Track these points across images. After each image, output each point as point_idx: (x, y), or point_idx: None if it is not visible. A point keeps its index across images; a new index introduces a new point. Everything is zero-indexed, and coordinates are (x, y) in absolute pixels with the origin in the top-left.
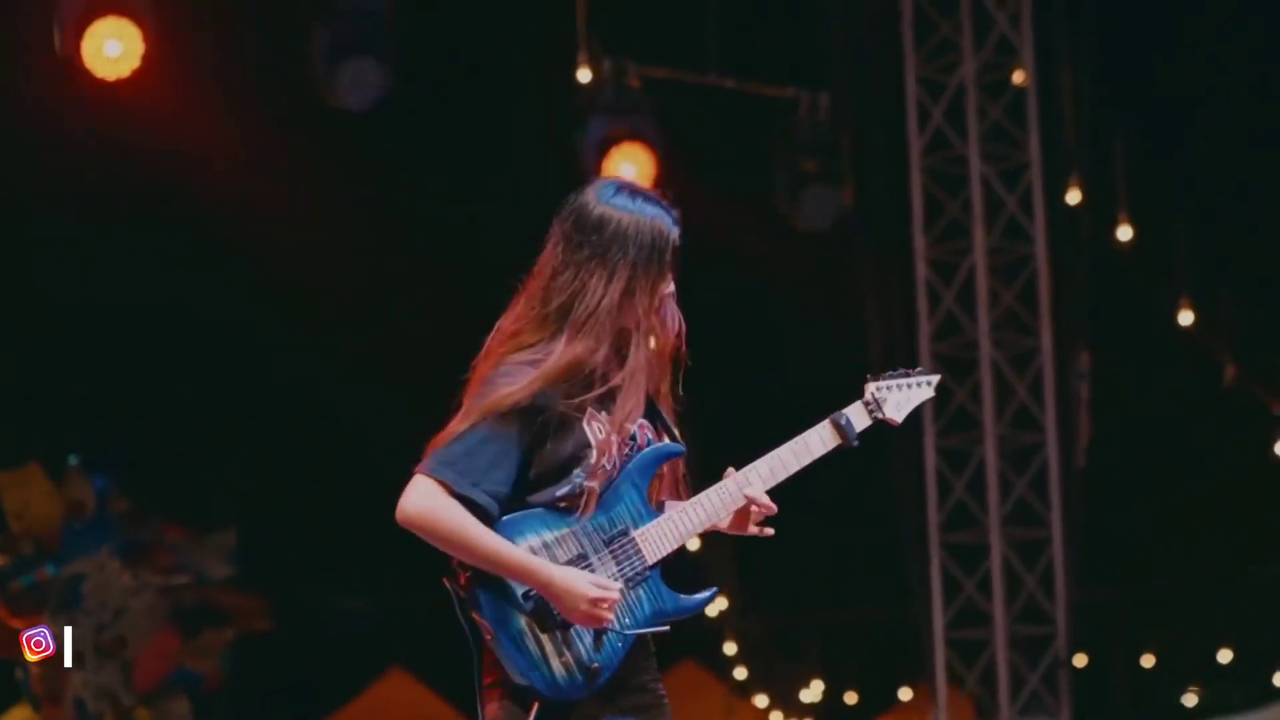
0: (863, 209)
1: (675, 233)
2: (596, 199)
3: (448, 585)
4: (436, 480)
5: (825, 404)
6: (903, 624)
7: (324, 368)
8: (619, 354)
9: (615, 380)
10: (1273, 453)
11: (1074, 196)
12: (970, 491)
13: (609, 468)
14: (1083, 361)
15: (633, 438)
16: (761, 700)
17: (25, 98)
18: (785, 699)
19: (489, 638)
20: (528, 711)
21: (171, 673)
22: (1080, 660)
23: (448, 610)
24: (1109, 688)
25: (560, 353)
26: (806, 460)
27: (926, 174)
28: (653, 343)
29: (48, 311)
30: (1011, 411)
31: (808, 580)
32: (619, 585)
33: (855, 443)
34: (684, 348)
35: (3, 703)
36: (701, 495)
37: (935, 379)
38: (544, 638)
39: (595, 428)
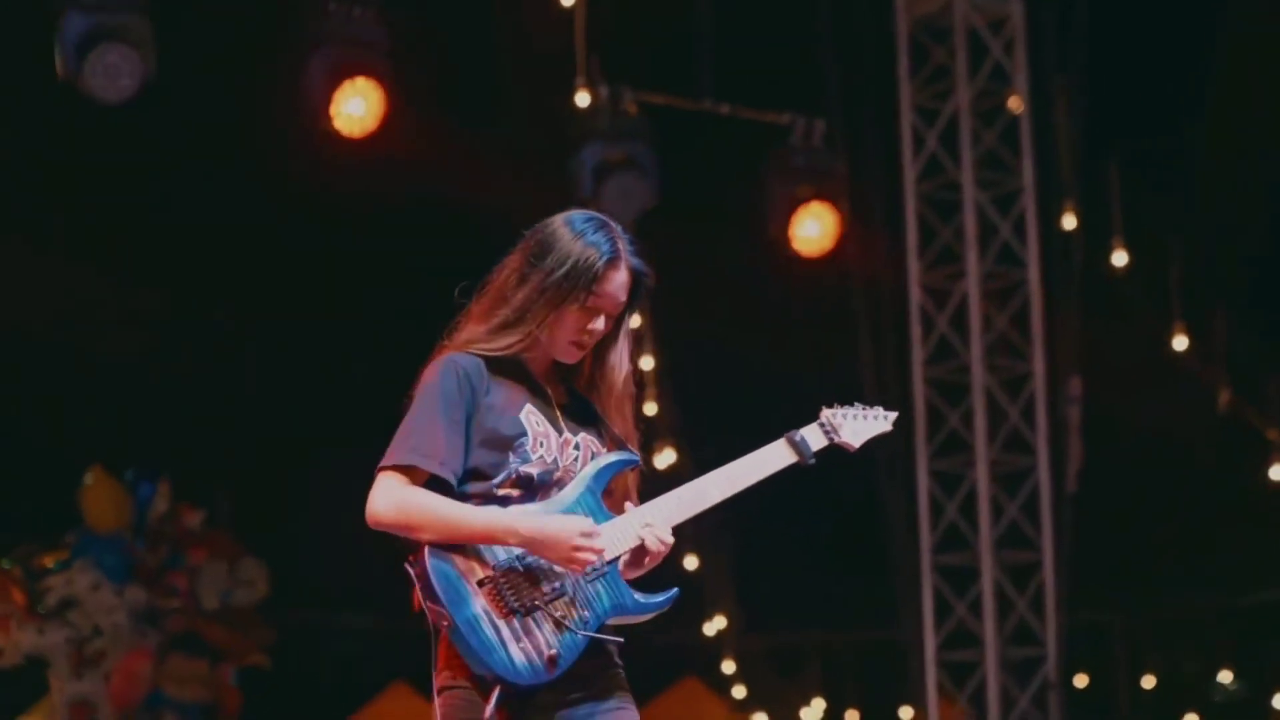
0: (857, 234)
1: (601, 267)
2: (558, 222)
3: (410, 570)
4: (398, 470)
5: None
6: (895, 645)
7: (324, 379)
8: (565, 368)
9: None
10: (1267, 478)
11: (1069, 221)
12: (962, 514)
13: (549, 461)
14: (1074, 386)
15: (576, 447)
16: (761, 718)
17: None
18: (786, 717)
19: (445, 624)
20: (487, 698)
21: (147, 694)
22: (1081, 680)
23: None
24: (1108, 708)
25: (487, 343)
26: (759, 476)
27: (921, 200)
28: (614, 372)
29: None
30: (1004, 436)
31: (802, 601)
32: (600, 533)
33: (811, 460)
34: (615, 379)
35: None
36: (649, 504)
37: (893, 415)
38: (500, 623)
39: (533, 420)
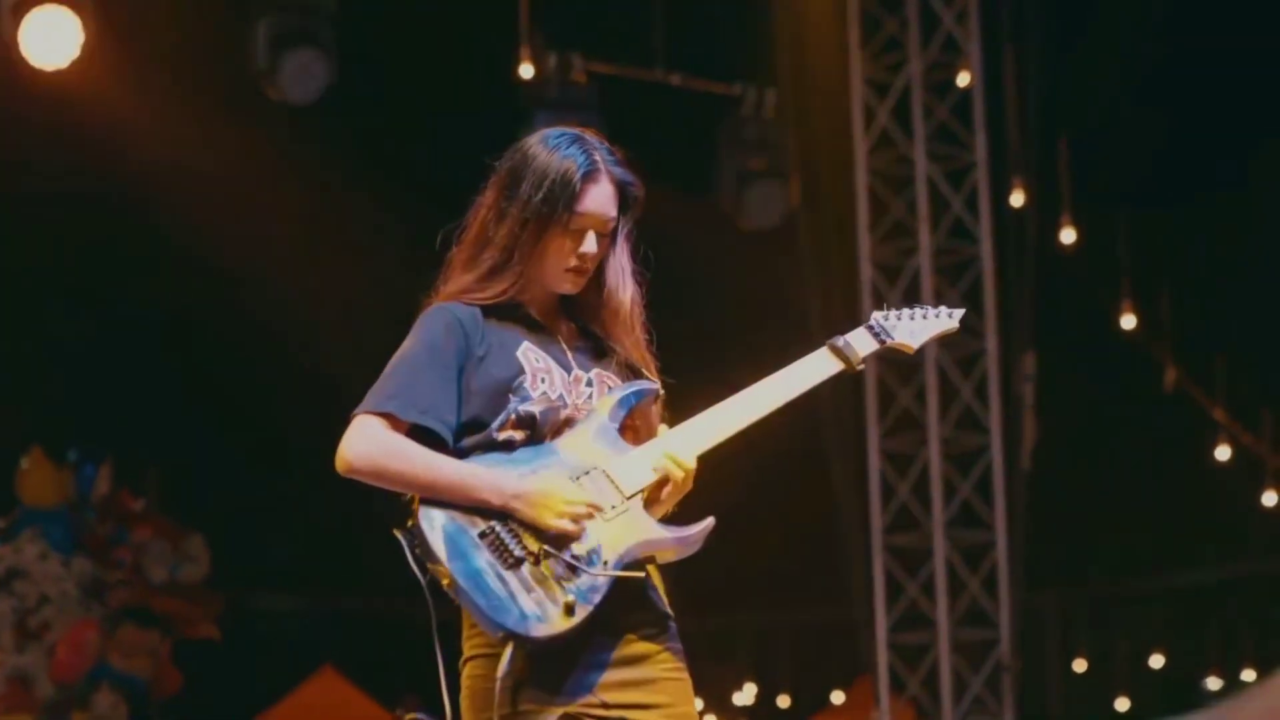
0: (808, 208)
1: (580, 182)
2: (527, 144)
3: (400, 537)
4: (378, 416)
5: None
6: (838, 626)
7: (258, 361)
8: (564, 298)
9: (549, 319)
10: (1212, 457)
11: (1018, 198)
12: (914, 494)
13: (553, 397)
14: (1028, 363)
15: (589, 383)
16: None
17: None
18: (718, 702)
19: (446, 583)
20: (500, 654)
21: (91, 667)
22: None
23: (378, 609)
24: (1044, 691)
25: (479, 292)
26: (801, 389)
27: (872, 174)
28: (617, 294)
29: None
30: (956, 414)
31: (743, 582)
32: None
33: (860, 366)
34: (620, 299)
35: None
36: (674, 430)
37: (959, 313)
38: (507, 575)
39: (531, 357)
